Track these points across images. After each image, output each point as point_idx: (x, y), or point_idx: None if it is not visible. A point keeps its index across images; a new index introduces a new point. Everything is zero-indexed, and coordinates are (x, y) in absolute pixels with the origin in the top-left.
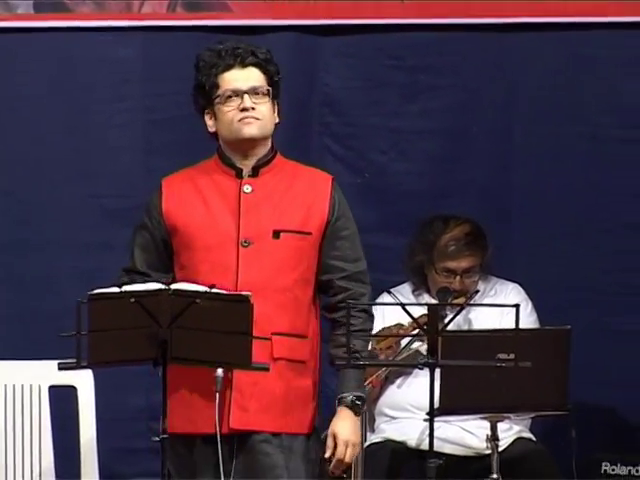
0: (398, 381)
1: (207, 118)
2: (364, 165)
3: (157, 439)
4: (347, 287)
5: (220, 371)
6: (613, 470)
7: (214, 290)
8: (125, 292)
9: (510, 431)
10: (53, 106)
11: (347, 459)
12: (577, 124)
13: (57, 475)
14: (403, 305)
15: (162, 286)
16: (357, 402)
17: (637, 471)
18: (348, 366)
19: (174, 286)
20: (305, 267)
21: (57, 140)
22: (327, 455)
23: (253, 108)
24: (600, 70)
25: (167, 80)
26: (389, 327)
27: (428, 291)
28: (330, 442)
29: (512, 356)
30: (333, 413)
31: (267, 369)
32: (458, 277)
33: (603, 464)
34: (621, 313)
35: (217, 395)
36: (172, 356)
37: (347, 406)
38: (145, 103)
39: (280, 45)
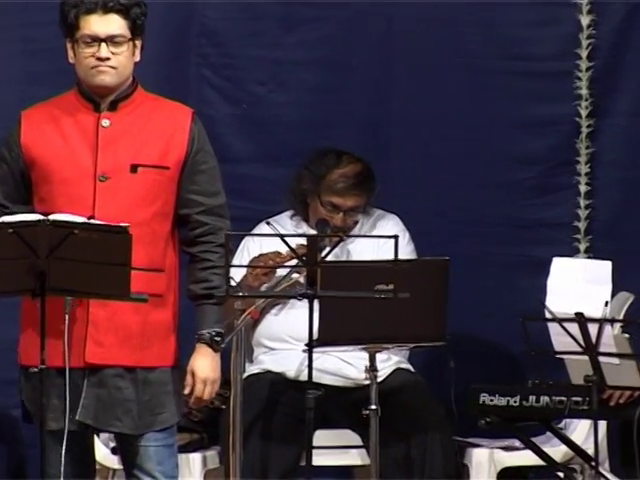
0: (276, 311)
1: (69, 47)
2: (242, 96)
3: (36, 370)
4: (205, 221)
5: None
6: (491, 401)
7: (92, 221)
8: (3, 223)
9: (389, 362)
10: None
11: (205, 396)
12: (456, 56)
13: None
14: (282, 236)
15: (40, 217)
16: (216, 338)
17: (515, 402)
18: (228, 296)
19: (52, 217)
20: (163, 201)
21: None
22: (186, 392)
23: (109, 58)
24: (477, 2)
25: (46, 9)
26: (266, 254)
27: (306, 220)
28: (189, 379)
29: (391, 287)
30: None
31: (146, 300)
32: (341, 214)
33: (481, 395)
34: (501, 245)
35: (66, 327)
36: (50, 287)
37: (206, 343)
38: (23, 33)
39: None
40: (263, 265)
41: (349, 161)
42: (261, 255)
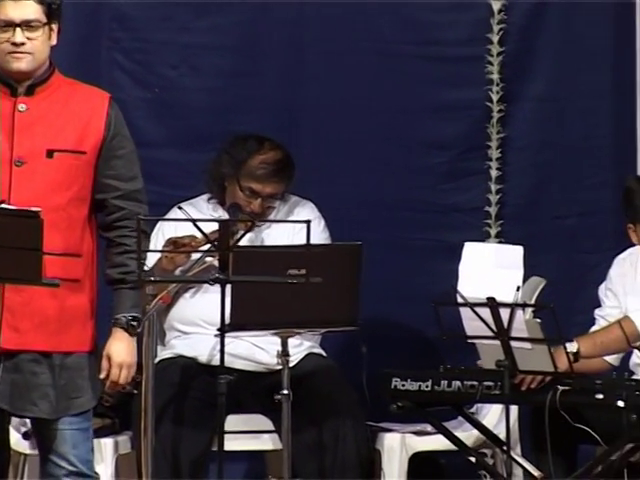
0: (190, 295)
1: None
2: (154, 80)
3: None
4: (122, 206)
5: None
6: (403, 386)
7: (3, 205)
8: None
9: (301, 347)
10: None
11: (121, 381)
12: (368, 41)
13: None
14: (194, 221)
15: None
16: (132, 323)
17: (427, 387)
18: (140, 281)
19: None
20: (80, 186)
21: None
22: (102, 376)
23: (24, 43)
24: None
25: None
26: (181, 237)
27: (223, 204)
28: (104, 364)
29: (303, 272)
30: None
31: (57, 285)
32: (259, 200)
33: (393, 379)
34: (413, 229)
35: None
36: None
37: (122, 327)
38: None
39: None
40: (177, 249)
41: (270, 148)
42: (177, 237)
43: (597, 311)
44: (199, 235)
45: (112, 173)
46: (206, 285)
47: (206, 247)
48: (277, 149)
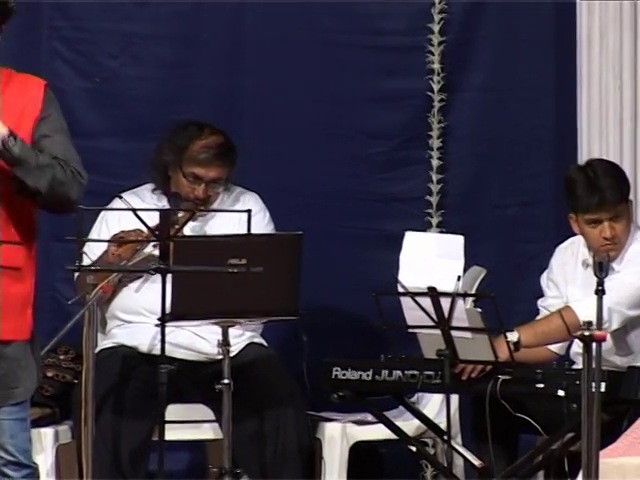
0: (133, 285)
1: None
2: (95, 70)
3: None
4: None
5: None
6: (344, 375)
7: None
8: None
9: (242, 336)
10: None
11: None
12: (309, 30)
13: None
14: (134, 210)
15: None
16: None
17: (367, 376)
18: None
19: None
20: None
21: None
22: None
23: None
24: None
25: None
26: (128, 231)
27: (168, 194)
28: None
29: (244, 261)
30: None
31: None
32: (203, 185)
33: (334, 369)
34: (354, 219)
35: None
36: None
37: None
38: None
39: None
40: (119, 240)
41: (211, 132)
42: (122, 232)
43: (540, 301)
44: (144, 229)
45: (47, 152)
46: (148, 274)
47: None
48: (218, 133)
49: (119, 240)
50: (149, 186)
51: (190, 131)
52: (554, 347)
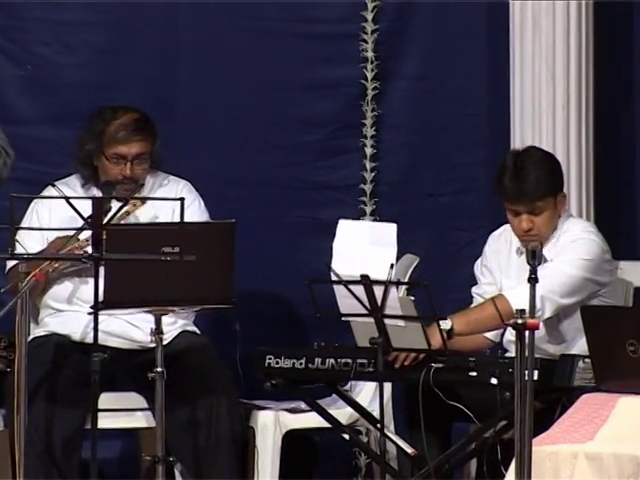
0: (66, 274)
1: None
2: (27, 57)
3: None
4: None
5: None
6: (277, 363)
7: None
8: None
9: (174, 324)
10: None
11: None
12: (242, 18)
13: None
14: (67, 198)
15: None
16: None
17: (301, 364)
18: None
19: None
20: None
21: None
22: None
23: None
24: None
25: None
26: (62, 237)
27: (97, 185)
28: None
29: (177, 250)
30: None
31: None
32: (129, 164)
33: (267, 357)
34: (288, 207)
35: None
36: None
37: None
38: None
39: None
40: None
41: (125, 111)
42: (58, 238)
43: (474, 289)
44: (82, 237)
45: None
46: (80, 263)
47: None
48: (133, 111)
49: (51, 257)
50: (77, 180)
51: (105, 115)
52: (489, 334)
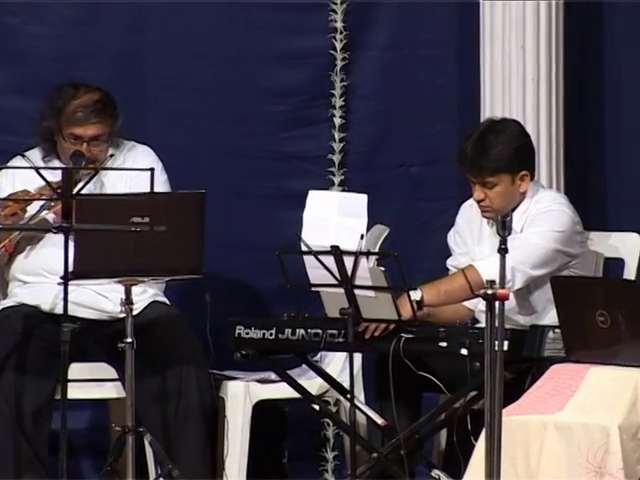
0: (31, 246)
1: None
2: None
3: None
4: None
5: None
6: (247, 334)
7: None
8: None
9: (144, 295)
10: None
11: None
12: None
13: None
14: (37, 169)
15: None
16: None
17: (271, 335)
18: None
19: None
20: None
21: None
22: None
23: None
24: None
25: None
26: (15, 193)
27: (59, 157)
28: None
29: (147, 220)
30: None
31: None
32: (85, 144)
33: (237, 328)
34: (257, 177)
35: None
36: None
37: None
38: None
39: None
40: (14, 198)
41: (86, 91)
42: (11, 194)
43: (449, 261)
44: (32, 189)
45: None
46: (50, 235)
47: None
48: (94, 91)
49: (16, 198)
50: (38, 152)
51: (65, 92)
52: (468, 304)
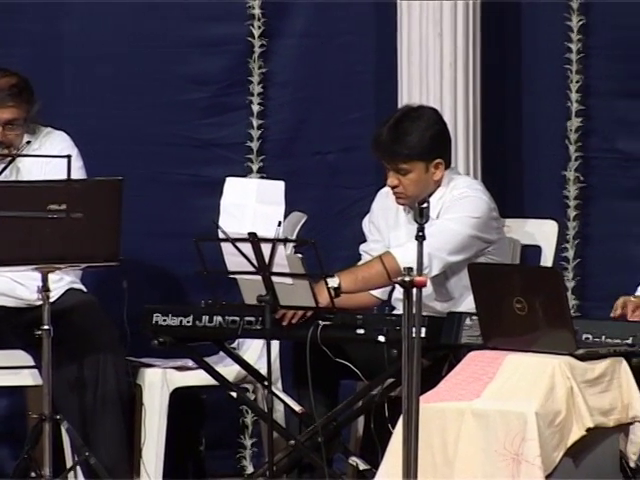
0: None
1: None
2: None
3: None
4: None
5: None
6: (164, 321)
7: None
8: None
9: (61, 282)
10: None
11: None
12: None
13: None
14: None
15: None
16: None
17: (188, 322)
18: None
19: None
20: None
21: None
22: None
23: None
24: None
25: None
26: None
27: None
28: None
29: (64, 207)
30: None
31: None
32: (0, 128)
33: (154, 315)
34: (174, 164)
35: None
36: None
37: None
38: None
39: None
40: None
41: (3, 75)
42: None
43: (362, 246)
44: None
45: None
46: None
47: None
48: (10, 75)
49: None
50: None
51: None
52: (376, 292)
